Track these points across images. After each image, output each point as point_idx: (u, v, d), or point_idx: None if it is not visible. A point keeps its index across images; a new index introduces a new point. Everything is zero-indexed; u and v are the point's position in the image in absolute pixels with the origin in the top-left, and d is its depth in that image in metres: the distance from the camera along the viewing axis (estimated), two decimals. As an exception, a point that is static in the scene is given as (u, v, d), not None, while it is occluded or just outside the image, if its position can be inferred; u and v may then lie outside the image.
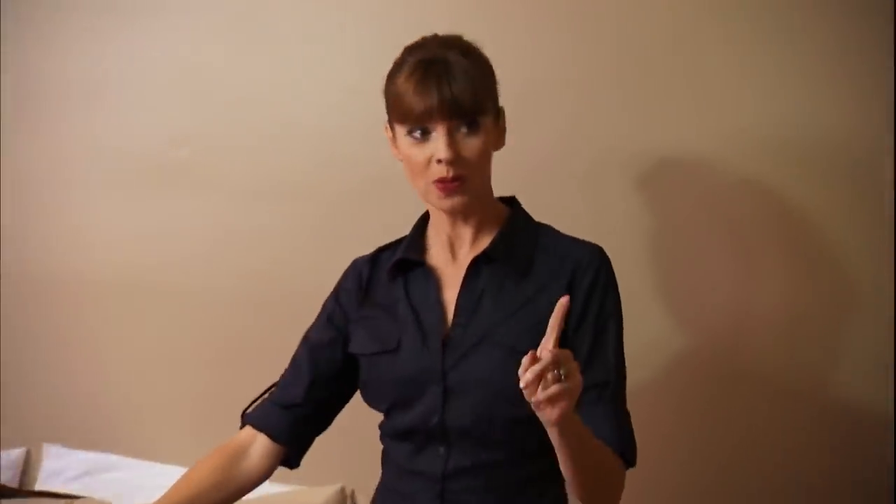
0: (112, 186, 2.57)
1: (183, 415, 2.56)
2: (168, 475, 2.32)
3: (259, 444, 1.78)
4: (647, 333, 2.27)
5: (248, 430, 1.81)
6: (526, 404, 1.55)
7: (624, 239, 2.35)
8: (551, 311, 1.54)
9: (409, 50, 1.77)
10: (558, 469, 1.63)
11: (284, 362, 1.94)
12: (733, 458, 2.39)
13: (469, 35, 1.82)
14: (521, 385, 1.44)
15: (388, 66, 1.80)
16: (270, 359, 2.25)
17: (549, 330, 1.46)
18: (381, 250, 1.89)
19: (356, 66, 2.31)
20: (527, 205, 1.87)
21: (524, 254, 1.78)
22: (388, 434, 1.75)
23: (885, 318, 2.23)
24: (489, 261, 1.76)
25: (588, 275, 1.74)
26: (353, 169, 2.35)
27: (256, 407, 1.85)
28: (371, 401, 1.79)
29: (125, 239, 2.57)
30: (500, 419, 1.68)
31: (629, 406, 1.76)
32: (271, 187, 2.48)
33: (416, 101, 1.69)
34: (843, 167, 2.34)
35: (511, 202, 1.86)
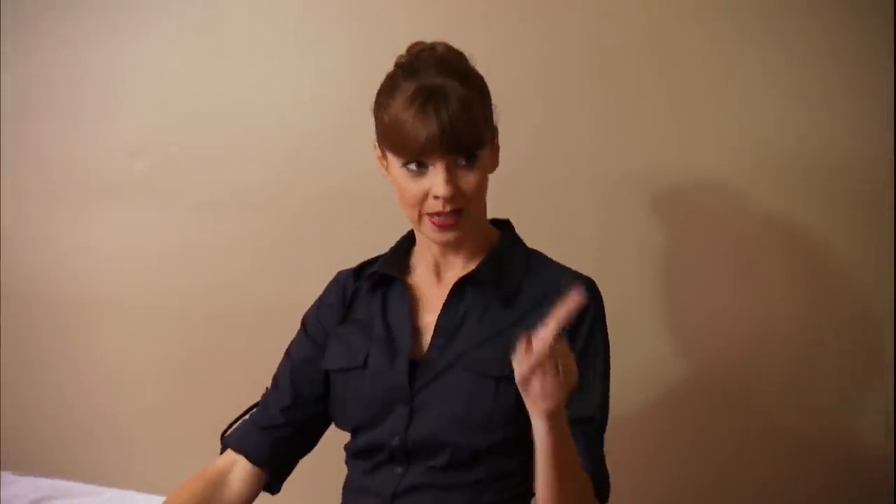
0: (70, 198, 2.54)
1: (144, 437, 2.55)
2: (128, 501, 2.41)
3: (239, 469, 1.75)
4: (650, 351, 2.26)
5: (228, 454, 1.78)
6: (490, 433, 1.61)
7: (611, 253, 2.32)
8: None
9: (405, 71, 1.71)
10: (510, 499, 1.65)
11: (250, 378, 1.89)
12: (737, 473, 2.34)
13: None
14: (517, 377, 1.43)
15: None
16: (234, 375, 2.24)
17: (552, 321, 1.41)
18: (365, 265, 1.86)
19: (315, 74, 2.30)
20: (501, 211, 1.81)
21: (513, 280, 1.74)
22: (351, 453, 1.73)
23: (888, 328, 2.19)
24: (475, 283, 1.73)
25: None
26: (316, 179, 2.32)
27: (236, 429, 1.81)
28: (338, 420, 1.77)
29: (82, 252, 2.57)
30: (462, 445, 1.67)
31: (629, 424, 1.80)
32: (232, 199, 2.46)
33: (414, 134, 1.64)
34: (843, 178, 2.29)
35: (503, 225, 1.82)
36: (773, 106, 2.30)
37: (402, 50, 1.76)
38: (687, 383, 2.34)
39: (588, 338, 1.70)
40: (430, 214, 1.69)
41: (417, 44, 1.76)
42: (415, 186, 1.68)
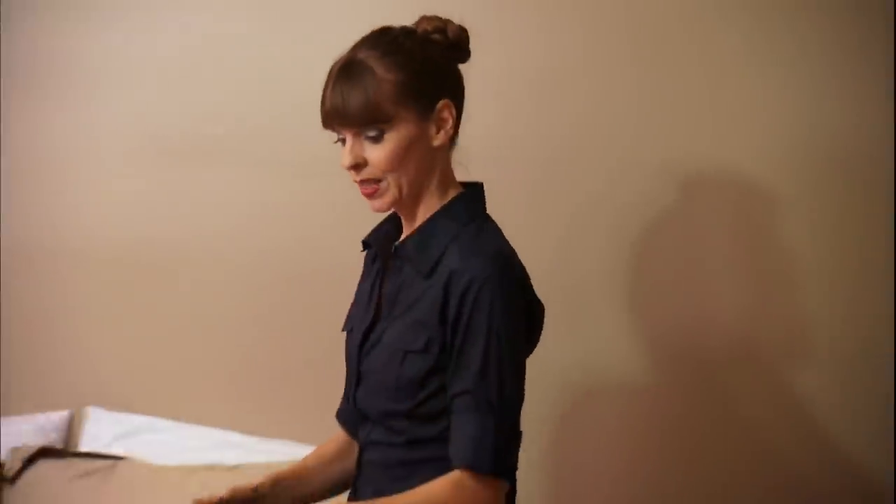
0: (149, 162, 2.61)
1: (215, 379, 2.59)
2: (202, 436, 2.56)
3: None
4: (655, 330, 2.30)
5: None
6: (402, 401, 1.64)
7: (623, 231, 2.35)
8: (424, 317, 1.60)
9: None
10: (439, 458, 1.63)
11: (310, 331, 1.98)
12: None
13: (479, 24, 1.77)
14: None
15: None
16: (297, 327, 2.33)
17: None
18: (369, 236, 1.90)
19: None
20: (522, 193, 1.87)
21: (433, 255, 1.69)
22: (343, 410, 1.84)
23: (886, 317, 2.23)
24: (398, 256, 1.73)
25: (460, 287, 1.64)
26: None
27: (341, 402, 1.87)
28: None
29: (164, 212, 2.61)
30: (386, 410, 1.69)
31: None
32: (311, 160, 2.47)
33: (322, 107, 1.66)
34: (848, 170, 2.32)
35: (465, 190, 1.76)
36: (786, 97, 2.31)
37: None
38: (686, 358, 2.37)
39: (470, 318, 1.63)
40: (359, 185, 1.69)
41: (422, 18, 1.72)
42: (343, 158, 1.69)
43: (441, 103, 1.65)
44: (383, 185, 1.65)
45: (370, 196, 1.66)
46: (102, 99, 2.64)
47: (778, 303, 2.35)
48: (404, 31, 1.67)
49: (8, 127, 2.68)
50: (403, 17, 1.79)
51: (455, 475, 1.60)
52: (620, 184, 2.37)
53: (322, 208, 2.45)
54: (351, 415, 1.76)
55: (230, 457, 2.49)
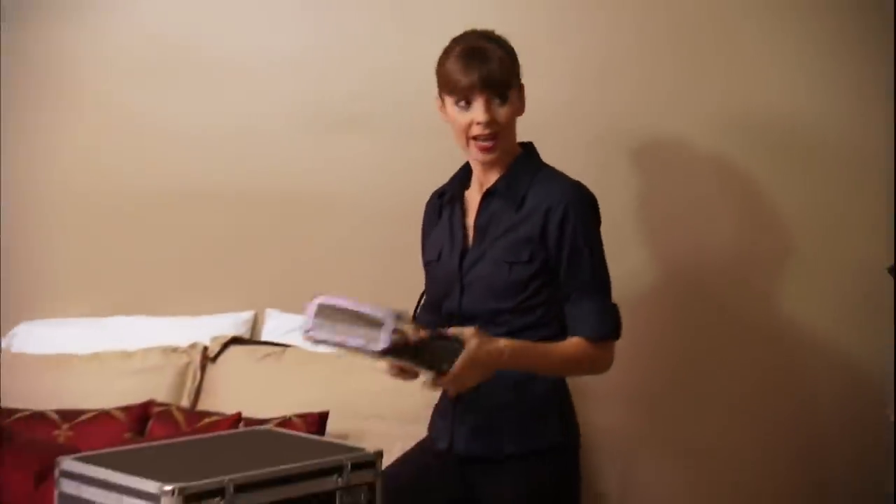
0: (309, 131, 2.94)
1: (349, 289, 2.53)
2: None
3: None
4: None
5: None
6: (508, 300, 1.93)
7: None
8: (530, 237, 1.92)
9: (455, 41, 2.02)
10: (541, 338, 1.93)
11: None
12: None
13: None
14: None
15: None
16: (408, 256, 2.48)
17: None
18: (444, 187, 2.16)
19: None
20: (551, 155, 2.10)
21: (521, 191, 1.98)
22: (443, 317, 2.04)
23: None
24: (492, 194, 2.01)
25: (558, 214, 1.95)
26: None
27: (418, 312, 2.09)
28: (430, 296, 2.09)
29: (321, 167, 2.94)
30: (493, 308, 1.96)
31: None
32: (423, 130, 2.73)
33: (462, 79, 1.94)
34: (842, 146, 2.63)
35: (526, 146, 2.06)
36: (786, 79, 2.60)
37: None
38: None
39: (573, 232, 1.94)
40: (475, 138, 1.96)
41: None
42: (462, 118, 1.96)
43: (522, 87, 2.03)
44: (499, 141, 1.97)
45: (488, 150, 1.97)
46: (277, 85, 2.94)
47: (765, 233, 2.66)
48: (493, 32, 2.03)
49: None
50: (490, 14, 2.16)
51: (579, 341, 1.93)
52: (652, 148, 2.68)
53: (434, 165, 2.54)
54: (427, 322, 1.96)
55: None
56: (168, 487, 1.64)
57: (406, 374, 1.93)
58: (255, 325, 2.99)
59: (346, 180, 2.94)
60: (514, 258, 1.95)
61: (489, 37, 2.00)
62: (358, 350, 1.80)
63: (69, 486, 1.81)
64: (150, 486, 1.66)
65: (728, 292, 2.67)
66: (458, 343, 1.82)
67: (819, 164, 2.62)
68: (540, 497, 1.97)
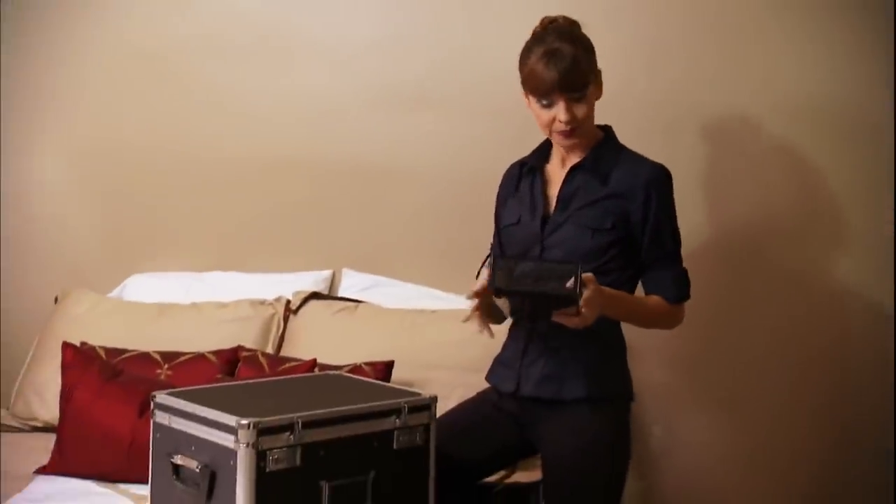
0: (384, 109, 3.08)
1: (422, 254, 3.06)
2: (419, 292, 3.00)
3: None
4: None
5: None
6: (590, 262, 2.00)
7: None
8: (614, 210, 2.04)
9: (535, 40, 2.07)
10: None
11: (481, 223, 2.40)
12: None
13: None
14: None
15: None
16: (471, 220, 2.70)
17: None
18: (524, 160, 2.24)
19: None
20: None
21: (606, 168, 2.09)
22: None
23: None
24: (581, 169, 2.11)
25: (644, 190, 2.08)
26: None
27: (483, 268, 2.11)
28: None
29: (395, 140, 3.08)
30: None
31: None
32: (488, 110, 2.92)
33: (543, 81, 2.03)
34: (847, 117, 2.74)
35: (606, 129, 2.17)
36: (804, 61, 2.73)
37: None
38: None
39: (656, 210, 2.07)
40: (557, 132, 2.06)
41: (546, 18, 2.11)
42: (545, 115, 2.05)
43: (599, 72, 2.10)
44: (578, 131, 2.06)
45: (569, 138, 2.07)
46: (356, 66, 3.09)
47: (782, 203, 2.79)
48: (570, 23, 2.09)
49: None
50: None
51: (659, 300, 2.08)
52: (688, 123, 2.82)
53: (499, 143, 2.75)
54: None
55: (432, 305, 2.92)
56: (244, 421, 1.85)
57: (487, 320, 2.01)
58: (333, 282, 3.14)
59: (417, 154, 3.07)
60: (598, 225, 2.04)
61: (566, 35, 2.05)
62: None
63: (162, 418, 2.04)
64: (229, 419, 1.88)
65: (764, 245, 2.82)
66: (573, 265, 1.86)
67: (858, 139, 2.75)
68: (596, 444, 2.06)
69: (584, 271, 1.86)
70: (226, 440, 1.88)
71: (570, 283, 1.82)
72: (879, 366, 2.75)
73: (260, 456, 1.84)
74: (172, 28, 3.22)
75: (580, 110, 2.05)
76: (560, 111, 2.03)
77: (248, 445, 1.85)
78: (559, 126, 2.05)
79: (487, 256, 2.11)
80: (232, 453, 1.86)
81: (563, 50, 2.01)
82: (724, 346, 2.87)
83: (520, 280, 1.84)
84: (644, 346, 2.50)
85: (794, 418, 2.84)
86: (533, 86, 2.05)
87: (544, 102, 2.05)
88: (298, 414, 1.90)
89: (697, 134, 2.83)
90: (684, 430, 2.90)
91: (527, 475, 2.41)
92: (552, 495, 2.13)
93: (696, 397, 2.92)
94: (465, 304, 2.32)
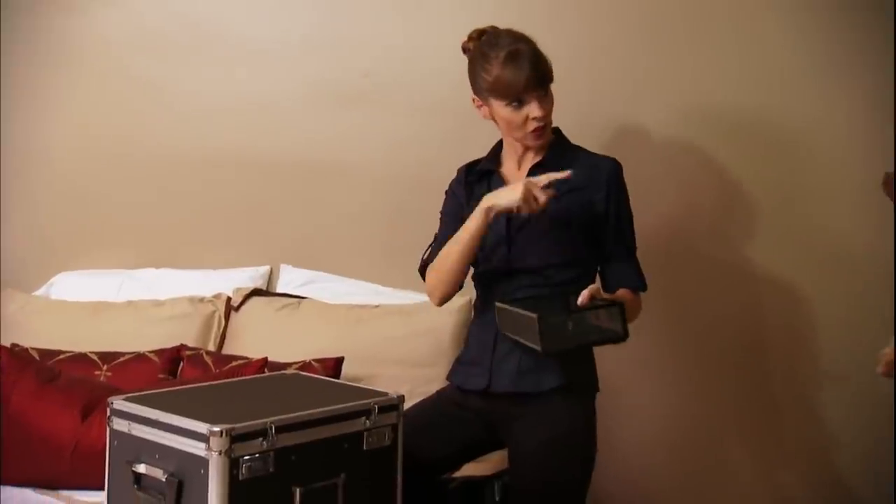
0: (322, 106, 2.96)
1: (364, 248, 2.93)
2: (360, 287, 2.88)
3: None
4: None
5: None
6: (555, 255, 1.99)
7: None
8: (578, 203, 2.00)
9: (489, 47, 2.01)
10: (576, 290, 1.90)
11: (427, 219, 2.27)
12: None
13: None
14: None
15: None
16: (417, 218, 2.48)
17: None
18: (473, 163, 2.19)
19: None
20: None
21: (567, 165, 2.01)
22: (478, 273, 2.12)
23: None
24: (542, 167, 2.06)
25: (605, 185, 2.06)
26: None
27: (427, 255, 2.14)
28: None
29: (334, 138, 2.96)
30: (538, 263, 2.02)
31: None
32: (426, 106, 2.83)
33: (515, 81, 1.97)
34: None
35: (555, 130, 2.14)
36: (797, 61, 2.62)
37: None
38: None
39: (616, 203, 2.04)
40: (532, 131, 2.01)
41: (475, 30, 2.07)
42: (517, 116, 1.99)
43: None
44: (548, 126, 2.05)
45: (542, 133, 2.03)
46: (293, 63, 2.97)
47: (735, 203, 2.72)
48: (506, 29, 2.04)
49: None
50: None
51: (626, 291, 2.05)
52: (627, 133, 2.73)
53: (437, 138, 2.76)
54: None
55: (373, 300, 2.80)
56: (216, 428, 1.69)
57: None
58: (271, 278, 3.01)
59: (355, 150, 2.97)
60: (564, 220, 2.01)
61: (517, 36, 2.02)
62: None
63: (121, 425, 1.86)
64: (200, 426, 1.71)
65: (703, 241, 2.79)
66: (616, 306, 1.88)
67: (767, 141, 2.71)
68: (571, 434, 2.02)
69: (563, 275, 1.92)
70: (195, 448, 1.71)
71: (619, 328, 1.85)
72: (792, 340, 2.77)
73: (233, 464, 1.69)
74: (108, 24, 3.07)
75: (548, 106, 2.03)
76: (533, 108, 1.99)
77: (220, 453, 1.69)
78: (533, 124, 2.00)
79: (430, 245, 2.11)
80: (203, 461, 1.69)
81: (524, 49, 1.97)
82: (673, 326, 2.83)
83: (571, 339, 1.87)
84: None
85: (722, 396, 2.81)
86: (503, 90, 1.99)
87: (515, 104, 2.00)
88: (272, 419, 1.75)
89: (622, 137, 2.77)
90: (638, 407, 2.84)
91: (481, 468, 2.28)
92: (525, 487, 2.03)
93: (646, 373, 2.84)
94: (408, 298, 2.45)
